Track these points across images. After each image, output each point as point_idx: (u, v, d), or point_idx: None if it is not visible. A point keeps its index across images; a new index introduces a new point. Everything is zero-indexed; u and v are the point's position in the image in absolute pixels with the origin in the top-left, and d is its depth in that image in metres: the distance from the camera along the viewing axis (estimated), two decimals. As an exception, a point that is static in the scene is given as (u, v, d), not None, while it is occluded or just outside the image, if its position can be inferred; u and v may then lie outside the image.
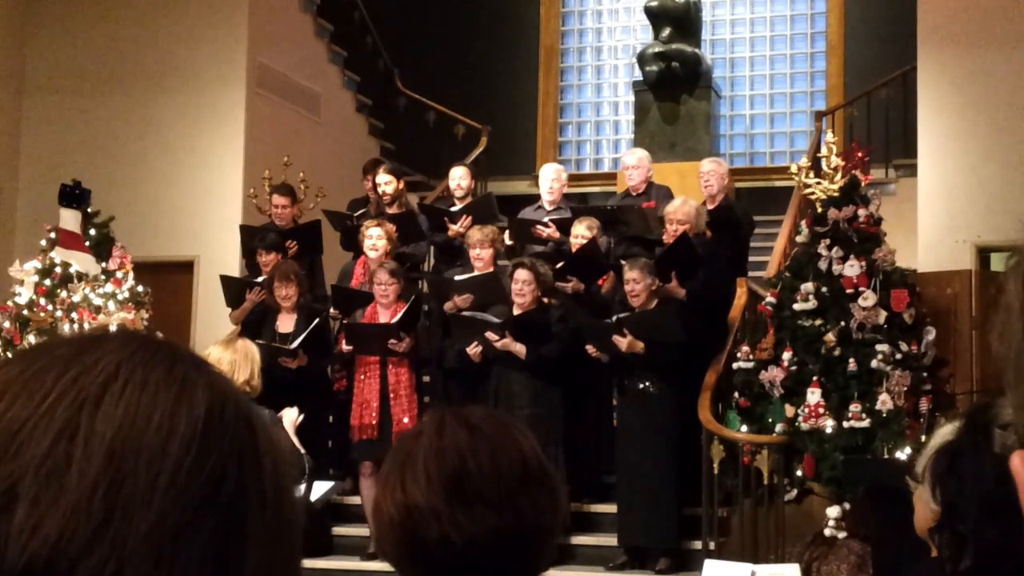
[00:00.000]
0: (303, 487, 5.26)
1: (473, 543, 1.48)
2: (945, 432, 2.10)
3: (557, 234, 8.71)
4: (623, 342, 7.53)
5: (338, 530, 8.36)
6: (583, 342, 7.80)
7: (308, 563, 7.91)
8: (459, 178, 9.41)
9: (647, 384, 7.66)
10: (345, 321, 8.33)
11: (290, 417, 5.35)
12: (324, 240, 9.26)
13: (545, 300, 8.01)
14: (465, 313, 7.97)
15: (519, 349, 7.73)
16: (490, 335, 7.74)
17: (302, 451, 5.26)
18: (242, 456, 0.64)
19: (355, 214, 9.30)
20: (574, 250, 8.39)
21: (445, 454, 1.52)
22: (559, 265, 8.29)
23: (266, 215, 9.90)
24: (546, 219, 8.88)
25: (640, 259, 8.00)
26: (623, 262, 8.04)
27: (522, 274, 7.89)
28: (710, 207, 8.75)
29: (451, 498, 1.49)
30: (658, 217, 8.75)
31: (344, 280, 8.86)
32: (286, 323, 8.21)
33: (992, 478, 1.47)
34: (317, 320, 8.18)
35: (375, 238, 8.51)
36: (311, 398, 8.12)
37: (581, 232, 8.38)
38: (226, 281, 8.99)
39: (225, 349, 5.22)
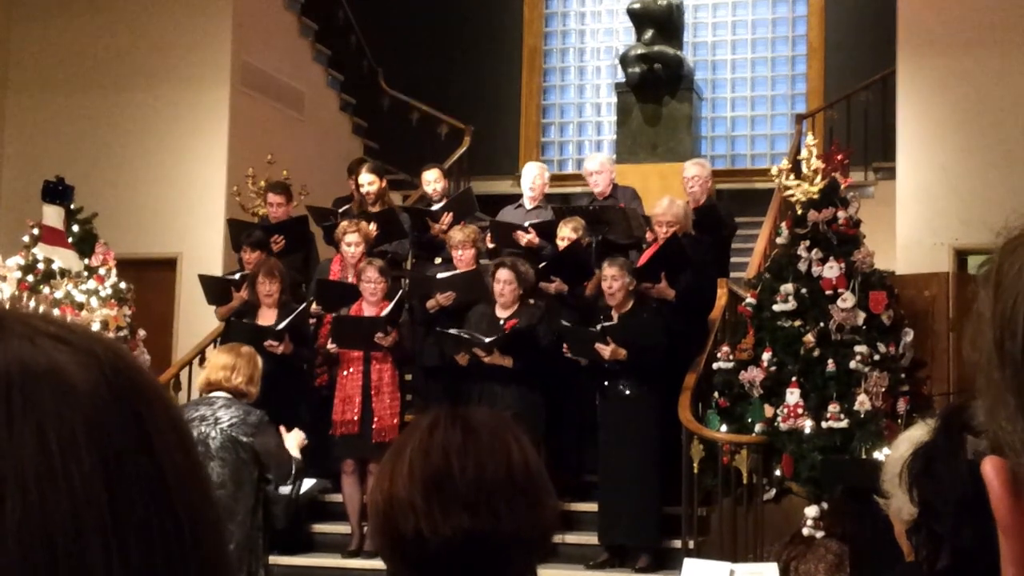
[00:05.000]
0: (290, 486, 5.48)
1: (446, 542, 1.50)
2: (911, 437, 2.09)
3: (537, 240, 8.63)
4: (606, 350, 7.56)
5: (318, 527, 8.38)
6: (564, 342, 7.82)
7: (289, 560, 7.93)
8: (433, 181, 9.44)
9: (628, 389, 7.69)
10: (328, 316, 8.32)
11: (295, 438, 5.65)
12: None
13: (531, 301, 8.02)
14: (452, 331, 7.89)
15: (507, 362, 7.76)
16: (479, 351, 7.76)
17: (295, 455, 5.53)
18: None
19: (339, 211, 9.33)
20: (560, 250, 8.36)
21: (431, 452, 1.55)
22: (542, 265, 8.28)
23: (249, 213, 9.90)
24: (527, 223, 8.82)
25: (620, 258, 8.02)
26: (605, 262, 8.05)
27: (503, 274, 7.90)
28: (693, 208, 8.77)
29: (430, 495, 1.52)
30: (641, 216, 8.78)
31: (321, 277, 8.85)
32: (267, 319, 8.21)
33: (968, 479, 1.51)
34: (303, 305, 8.20)
35: (353, 244, 8.54)
36: (289, 393, 8.14)
37: (567, 234, 8.34)
38: (205, 280, 8.98)
39: (229, 353, 5.54)
